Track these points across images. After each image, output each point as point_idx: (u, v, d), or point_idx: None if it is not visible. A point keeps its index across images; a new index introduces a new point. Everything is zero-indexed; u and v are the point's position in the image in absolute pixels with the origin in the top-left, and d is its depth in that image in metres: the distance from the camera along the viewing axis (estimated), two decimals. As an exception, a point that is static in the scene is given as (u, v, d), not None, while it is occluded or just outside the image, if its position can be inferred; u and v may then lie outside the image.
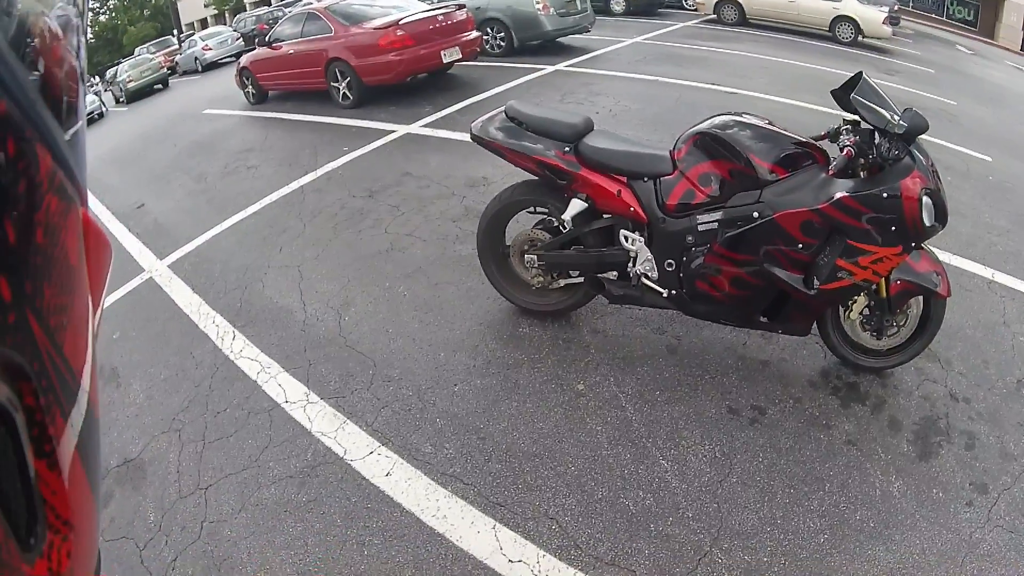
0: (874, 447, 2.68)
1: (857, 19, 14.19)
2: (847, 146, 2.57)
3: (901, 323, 2.96)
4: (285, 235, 4.91)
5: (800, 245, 2.62)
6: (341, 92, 8.32)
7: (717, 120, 2.85)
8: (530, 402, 2.98)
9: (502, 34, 10.63)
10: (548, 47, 10.99)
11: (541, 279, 3.30)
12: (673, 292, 2.98)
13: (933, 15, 26.24)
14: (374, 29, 7.97)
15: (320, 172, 6.15)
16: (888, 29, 14.33)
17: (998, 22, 24.79)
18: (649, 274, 3.02)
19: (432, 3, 10.00)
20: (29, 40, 0.35)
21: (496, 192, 3.38)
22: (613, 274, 3.17)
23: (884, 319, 2.91)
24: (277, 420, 3.00)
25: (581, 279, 3.26)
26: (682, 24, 15.33)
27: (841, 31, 14.50)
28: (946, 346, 3.18)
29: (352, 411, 2.99)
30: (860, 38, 14.42)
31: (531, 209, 3.32)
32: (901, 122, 2.46)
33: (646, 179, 2.92)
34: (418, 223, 4.80)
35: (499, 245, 3.44)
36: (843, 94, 2.66)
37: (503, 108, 3.16)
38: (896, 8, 14.92)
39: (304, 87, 9.11)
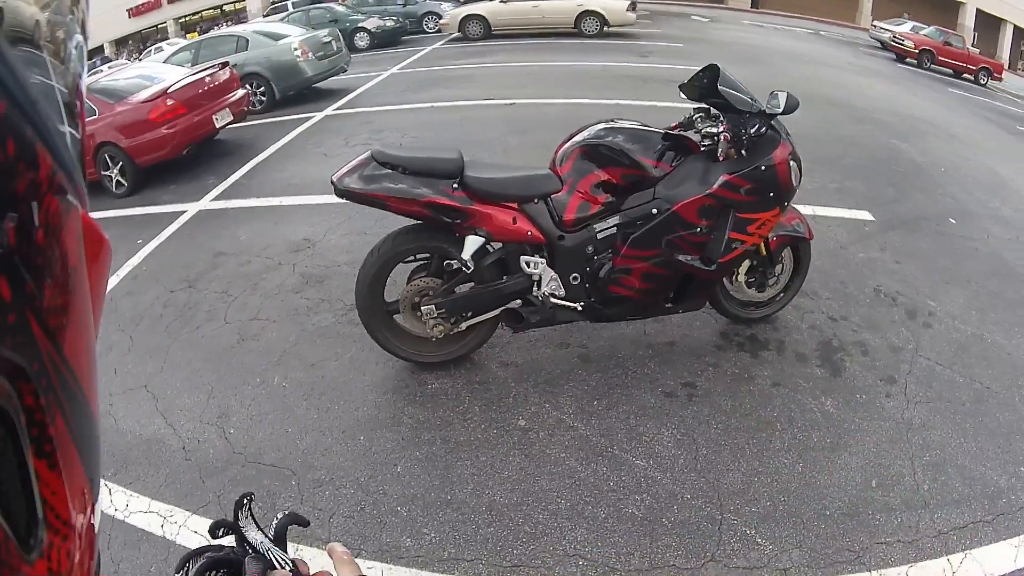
0: (796, 380, 3.06)
1: (601, 11, 15.04)
2: (721, 132, 2.83)
3: (779, 272, 3.34)
4: (113, 353, 4.11)
5: (699, 229, 2.85)
6: (114, 180, 7.26)
7: (594, 129, 2.97)
8: (483, 455, 2.84)
9: (262, 88, 10.09)
10: (308, 94, 10.60)
11: (442, 327, 3.09)
12: (583, 303, 3.03)
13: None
14: (142, 102, 7.10)
15: (122, 273, 5.26)
16: (632, 15, 15.31)
17: (725, -16, 27.38)
18: (556, 292, 3.01)
19: (189, 67, 9.20)
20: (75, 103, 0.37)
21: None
22: (516, 302, 3.09)
23: (767, 273, 3.26)
24: (213, 572, 2.52)
25: (483, 318, 3.13)
26: (430, 48, 15.56)
27: (587, 25, 15.21)
28: (808, 280, 3.57)
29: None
30: (605, 28, 15.21)
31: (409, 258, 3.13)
32: (773, 105, 2.78)
33: (536, 200, 2.91)
34: (258, 304, 4.32)
35: (382, 304, 3.18)
36: (695, 86, 2.96)
37: (368, 155, 2.87)
38: (633, -6, 15.88)
39: (71, 184, 7.88)
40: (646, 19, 18.16)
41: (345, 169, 2.87)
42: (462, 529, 2.50)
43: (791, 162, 2.89)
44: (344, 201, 2.95)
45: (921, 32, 18.76)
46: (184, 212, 6.31)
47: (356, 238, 4.92)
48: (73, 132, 0.38)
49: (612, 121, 3.02)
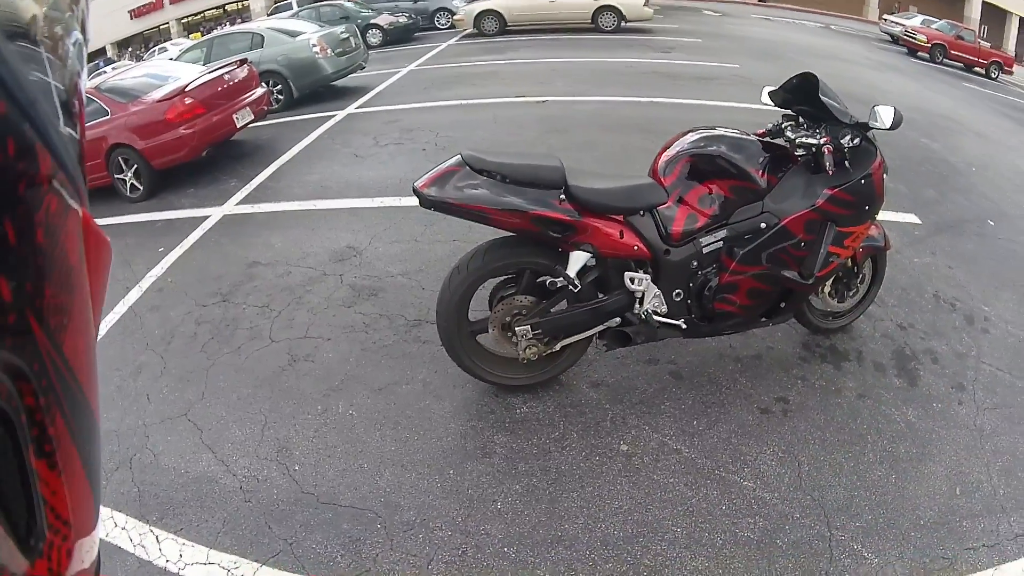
0: (878, 391, 3.06)
1: (619, 6, 14.87)
2: (823, 143, 2.73)
3: (860, 282, 3.30)
4: (143, 377, 3.75)
5: (803, 244, 2.78)
6: (128, 184, 6.92)
7: (696, 137, 2.85)
8: (588, 486, 2.62)
9: (279, 87, 9.76)
10: (325, 92, 10.28)
11: (536, 349, 2.82)
12: (684, 320, 2.87)
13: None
14: (157, 101, 6.77)
15: (145, 284, 4.89)
16: (650, 11, 15.18)
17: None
18: (659, 310, 2.81)
19: (201, 65, 8.87)
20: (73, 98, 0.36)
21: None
22: (615, 321, 2.83)
23: (850, 284, 3.23)
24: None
25: (579, 338, 2.87)
26: (445, 44, 15.29)
27: (604, 20, 15.01)
28: (875, 287, 3.58)
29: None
30: (622, 24, 15.05)
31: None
32: (875, 120, 2.77)
33: (643, 212, 2.70)
34: (306, 320, 3.98)
35: (467, 324, 2.90)
36: (785, 93, 2.97)
37: (458, 159, 2.55)
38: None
39: (83, 187, 7.50)
40: (659, 14, 17.91)
41: (431, 175, 2.55)
42: (579, 568, 2.30)
43: (883, 174, 2.91)
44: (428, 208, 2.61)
45: (932, 26, 18.89)
46: (207, 217, 5.95)
47: (407, 246, 4.65)
48: (72, 133, 0.38)
49: (712, 129, 2.89)
